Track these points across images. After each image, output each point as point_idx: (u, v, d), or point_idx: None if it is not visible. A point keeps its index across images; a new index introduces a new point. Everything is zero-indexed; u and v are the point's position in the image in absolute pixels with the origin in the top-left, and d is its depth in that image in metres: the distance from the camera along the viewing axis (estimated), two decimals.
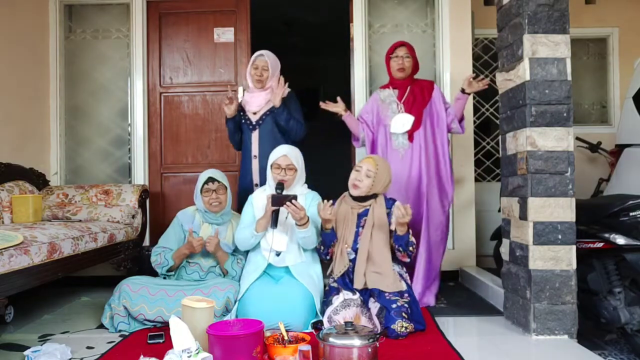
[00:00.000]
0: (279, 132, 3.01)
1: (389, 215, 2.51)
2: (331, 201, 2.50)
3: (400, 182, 2.90)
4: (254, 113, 3.02)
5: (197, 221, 2.69)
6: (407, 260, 2.49)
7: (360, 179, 2.50)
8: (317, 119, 6.63)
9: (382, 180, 2.52)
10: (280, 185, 2.51)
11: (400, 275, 2.49)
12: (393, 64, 2.99)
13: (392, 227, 2.44)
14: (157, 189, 3.83)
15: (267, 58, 2.98)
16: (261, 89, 3.01)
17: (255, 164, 3.00)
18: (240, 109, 3.08)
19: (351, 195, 2.57)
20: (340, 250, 2.52)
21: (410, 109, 2.93)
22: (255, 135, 3.00)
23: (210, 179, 2.63)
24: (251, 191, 2.89)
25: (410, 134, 2.92)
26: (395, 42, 3.03)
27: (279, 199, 2.39)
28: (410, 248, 2.44)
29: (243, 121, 3.06)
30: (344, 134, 4.26)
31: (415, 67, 3.02)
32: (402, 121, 2.90)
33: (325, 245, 2.54)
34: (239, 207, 2.93)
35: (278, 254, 2.52)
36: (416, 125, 2.91)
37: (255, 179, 3.00)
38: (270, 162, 2.62)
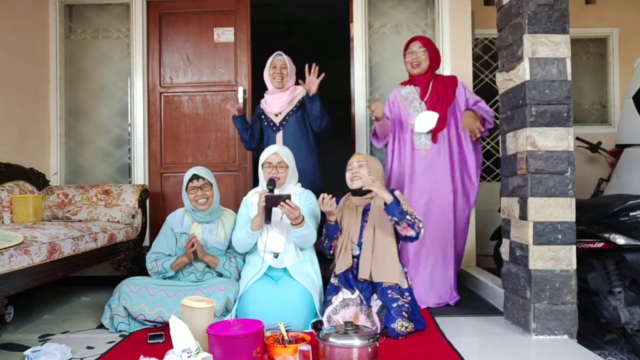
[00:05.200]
0: (303, 133, 3.03)
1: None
2: (330, 195, 2.49)
3: (424, 184, 2.83)
4: (276, 114, 3.04)
5: (186, 222, 2.67)
6: (412, 233, 2.38)
7: (356, 171, 2.52)
8: None
9: (374, 167, 2.54)
10: (271, 182, 2.51)
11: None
12: (408, 59, 2.90)
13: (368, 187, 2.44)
14: (157, 189, 3.83)
15: (285, 57, 3.02)
16: (281, 90, 3.02)
17: None
18: (260, 112, 3.10)
19: (353, 193, 2.58)
20: (344, 246, 2.52)
21: (434, 108, 2.82)
22: (279, 137, 3.02)
23: (195, 176, 2.59)
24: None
25: (433, 134, 2.81)
26: (409, 39, 2.94)
27: (273, 199, 2.39)
28: (408, 217, 2.36)
29: (265, 123, 3.07)
30: (343, 134, 4.25)
31: (434, 60, 2.89)
32: (427, 120, 2.77)
33: (328, 237, 2.57)
34: None
35: (276, 256, 2.52)
36: (441, 125, 2.80)
37: None
38: (261, 161, 2.63)
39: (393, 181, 2.97)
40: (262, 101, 3.14)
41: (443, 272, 2.86)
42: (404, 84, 3.01)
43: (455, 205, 2.86)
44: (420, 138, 2.85)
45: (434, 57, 2.91)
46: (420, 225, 2.42)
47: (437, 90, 2.86)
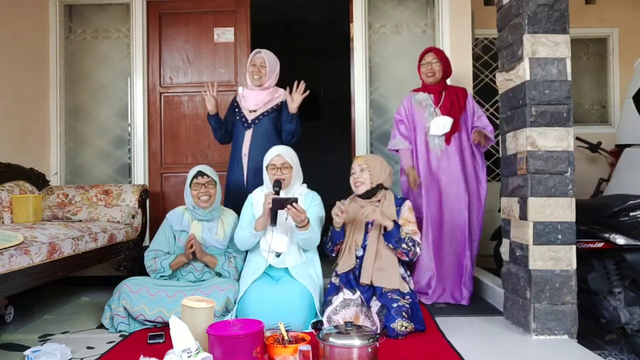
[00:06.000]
0: (273, 133, 2.98)
1: (398, 212, 2.54)
2: (343, 202, 2.52)
3: (437, 184, 2.95)
4: (251, 111, 3.00)
5: (186, 220, 2.68)
6: (406, 259, 2.47)
7: (358, 176, 2.54)
8: (318, 118, 6.64)
9: (376, 168, 2.55)
10: (277, 184, 2.50)
11: (403, 278, 2.49)
12: (423, 70, 3.05)
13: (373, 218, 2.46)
14: (157, 189, 3.83)
15: (265, 55, 2.97)
16: (260, 88, 2.99)
17: (245, 162, 2.96)
18: (235, 104, 3.08)
19: (358, 196, 2.58)
20: (348, 247, 2.53)
21: (448, 114, 2.98)
22: (248, 134, 2.97)
23: (200, 173, 2.61)
24: (240, 189, 2.90)
25: (447, 137, 2.96)
26: (424, 49, 3.09)
27: (280, 202, 2.38)
28: (404, 245, 2.42)
29: (237, 118, 3.03)
30: (343, 134, 4.26)
31: (446, 71, 3.05)
32: (443, 123, 2.94)
33: (332, 241, 2.58)
34: (226, 203, 2.93)
35: (278, 255, 2.52)
36: (454, 129, 2.96)
37: (245, 177, 2.97)
38: (265, 163, 2.62)
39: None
40: (240, 93, 3.11)
41: (459, 272, 2.92)
42: (416, 90, 3.13)
43: (470, 205, 2.94)
44: (434, 140, 2.99)
45: (447, 68, 3.06)
46: (417, 251, 2.46)
47: (451, 98, 3.02)
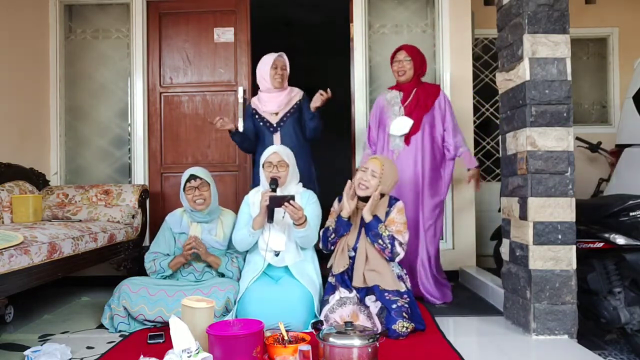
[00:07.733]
0: (299, 133, 3.02)
1: (388, 213, 2.52)
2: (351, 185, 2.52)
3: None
4: (274, 114, 3.01)
5: (185, 222, 2.67)
6: (385, 256, 2.43)
7: (366, 179, 2.49)
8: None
9: (388, 180, 2.52)
10: (274, 182, 2.50)
11: (400, 277, 2.48)
12: (394, 68, 3.06)
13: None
14: (157, 189, 3.83)
15: (285, 58, 3.02)
16: (279, 90, 3.01)
17: None
18: (253, 112, 3.06)
19: (358, 196, 2.56)
20: (341, 248, 2.52)
21: (411, 113, 2.98)
22: (277, 138, 2.98)
23: (192, 177, 2.59)
24: None
25: (407, 137, 2.98)
26: (396, 47, 3.08)
27: (277, 200, 2.39)
28: (380, 241, 2.40)
29: (261, 124, 3.02)
30: (344, 134, 4.26)
31: (419, 68, 3.02)
32: (402, 124, 2.96)
33: (337, 233, 2.52)
34: None
35: (277, 254, 2.52)
36: (414, 129, 2.96)
37: None
38: (262, 161, 2.62)
39: None
40: (255, 99, 3.09)
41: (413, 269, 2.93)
42: (391, 88, 3.14)
43: (423, 206, 2.95)
44: (394, 140, 3.02)
45: (419, 66, 3.04)
46: (398, 250, 2.43)
47: (418, 97, 3.01)
